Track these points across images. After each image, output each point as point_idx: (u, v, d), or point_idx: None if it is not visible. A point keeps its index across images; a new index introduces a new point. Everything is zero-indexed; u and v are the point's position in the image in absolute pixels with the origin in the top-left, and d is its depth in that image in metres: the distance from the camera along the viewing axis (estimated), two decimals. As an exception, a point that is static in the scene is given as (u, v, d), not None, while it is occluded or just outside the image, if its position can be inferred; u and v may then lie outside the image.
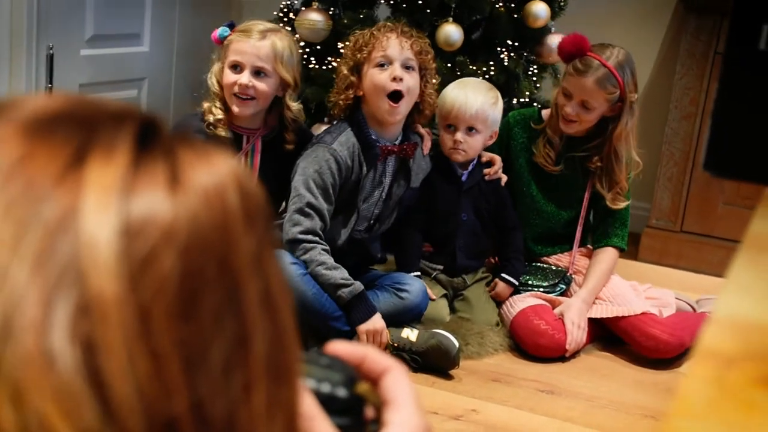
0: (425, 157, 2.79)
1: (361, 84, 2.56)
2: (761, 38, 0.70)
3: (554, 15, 3.32)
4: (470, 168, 2.82)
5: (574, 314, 2.68)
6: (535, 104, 3.19)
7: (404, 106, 2.55)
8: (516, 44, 3.23)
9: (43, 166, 0.41)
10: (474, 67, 3.13)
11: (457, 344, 2.47)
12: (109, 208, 0.40)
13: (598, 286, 2.79)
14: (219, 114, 2.51)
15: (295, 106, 2.59)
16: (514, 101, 3.22)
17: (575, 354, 2.68)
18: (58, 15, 3.19)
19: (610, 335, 2.75)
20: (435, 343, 2.47)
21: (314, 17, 3.14)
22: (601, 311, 2.73)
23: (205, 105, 2.56)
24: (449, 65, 3.13)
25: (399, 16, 3.09)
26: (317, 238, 2.48)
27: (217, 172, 0.44)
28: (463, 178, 2.81)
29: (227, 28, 2.54)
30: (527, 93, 3.23)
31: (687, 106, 3.56)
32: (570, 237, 2.98)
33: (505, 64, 3.19)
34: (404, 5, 3.18)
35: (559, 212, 2.95)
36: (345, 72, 2.58)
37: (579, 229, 2.94)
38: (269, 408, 0.44)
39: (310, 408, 0.53)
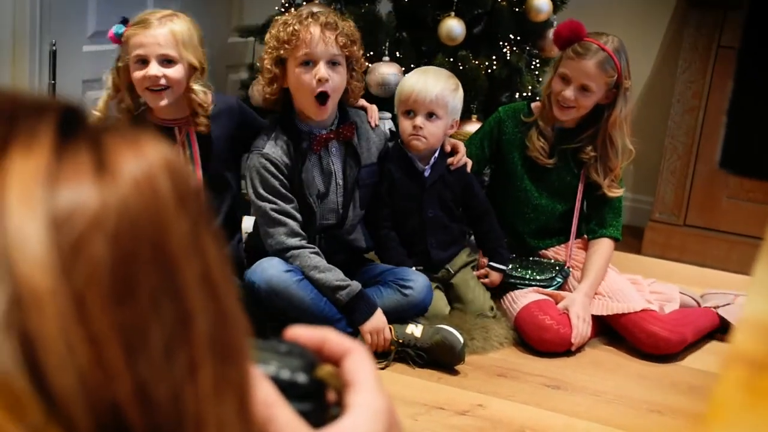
0: (375, 129, 2.71)
1: (285, 77, 2.49)
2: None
3: (556, 9, 3.32)
4: (432, 161, 2.76)
5: (579, 308, 2.68)
6: (537, 98, 3.18)
7: (331, 105, 2.49)
8: (518, 38, 3.24)
9: None
10: (476, 62, 3.13)
11: (462, 339, 2.47)
12: (33, 200, 0.40)
13: (598, 278, 2.80)
14: (127, 104, 2.45)
15: (199, 89, 2.49)
16: (517, 95, 3.22)
17: (580, 348, 2.67)
18: (61, 11, 3.18)
19: (613, 329, 2.75)
20: (440, 338, 2.47)
21: (314, 7, 3.12)
22: (600, 308, 2.73)
23: (101, 109, 2.48)
24: (451, 60, 3.13)
25: (400, 12, 3.09)
26: (301, 241, 2.47)
27: (146, 158, 0.44)
28: (426, 173, 2.75)
29: (122, 25, 2.45)
30: (530, 87, 3.23)
31: (690, 100, 3.56)
32: (565, 229, 2.98)
33: (508, 58, 3.19)
34: (406, 0, 3.18)
35: (554, 205, 2.94)
36: (268, 65, 2.49)
37: (575, 221, 2.94)
38: (217, 388, 0.44)
39: (269, 395, 0.52)
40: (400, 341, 2.48)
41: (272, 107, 2.59)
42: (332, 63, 2.46)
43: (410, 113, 2.69)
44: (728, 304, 2.85)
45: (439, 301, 2.73)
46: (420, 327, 2.51)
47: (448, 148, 2.80)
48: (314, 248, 2.49)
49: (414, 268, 2.70)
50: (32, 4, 3.03)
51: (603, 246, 2.88)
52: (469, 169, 2.84)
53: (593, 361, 2.64)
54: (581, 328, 2.64)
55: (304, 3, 3.23)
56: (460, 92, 2.74)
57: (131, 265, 0.41)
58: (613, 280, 2.84)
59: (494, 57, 3.17)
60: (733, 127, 0.80)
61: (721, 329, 2.82)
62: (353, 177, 2.61)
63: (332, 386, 0.57)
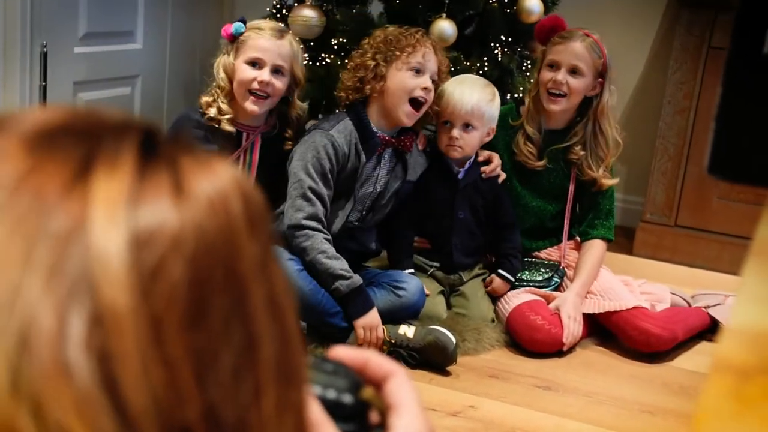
0: (421, 152, 2.79)
1: (384, 78, 2.57)
2: (766, 42, 0.71)
3: (547, 10, 3.32)
4: (467, 166, 2.82)
5: (570, 308, 2.69)
6: (515, 95, 3.19)
7: (421, 114, 2.61)
8: (509, 39, 3.24)
9: (49, 179, 0.41)
10: (468, 63, 3.13)
11: (454, 340, 2.48)
12: (117, 220, 0.40)
13: (590, 278, 2.81)
14: (225, 108, 2.51)
15: (301, 104, 2.63)
16: (508, 96, 3.22)
17: (572, 349, 2.68)
18: (52, 13, 3.18)
19: (605, 330, 2.76)
20: (432, 339, 2.47)
21: (308, 14, 3.13)
22: (592, 306, 2.74)
23: (205, 99, 2.54)
24: (443, 61, 3.13)
25: (392, 13, 3.09)
26: (320, 225, 2.49)
27: (219, 180, 0.44)
28: (460, 176, 2.81)
29: (242, 24, 2.54)
30: (521, 88, 3.24)
31: (681, 101, 3.57)
32: (558, 230, 2.99)
33: (499, 59, 3.20)
34: (397, 1, 3.18)
35: (545, 206, 2.96)
36: (371, 61, 2.58)
37: (566, 222, 2.95)
38: (279, 411, 0.45)
39: (316, 414, 0.53)
40: (393, 341, 2.49)
41: (347, 98, 2.64)
42: (432, 80, 2.59)
43: (447, 123, 2.74)
44: (719, 305, 2.86)
45: (438, 306, 2.74)
46: (413, 328, 2.52)
47: (482, 157, 2.86)
48: (328, 235, 2.51)
49: (411, 270, 2.72)
50: (23, 5, 3.03)
51: (595, 247, 2.89)
52: (501, 181, 2.89)
53: (585, 361, 2.64)
54: (572, 328, 2.65)
55: (296, 4, 3.23)
56: (497, 101, 2.80)
57: (206, 289, 0.42)
58: (604, 278, 2.85)
59: (485, 58, 3.17)
60: (722, 132, 0.80)
61: (711, 329, 2.83)
62: (395, 187, 2.70)
63: (376, 407, 0.58)
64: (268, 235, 0.46)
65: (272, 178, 2.60)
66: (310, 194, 2.48)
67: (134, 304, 0.40)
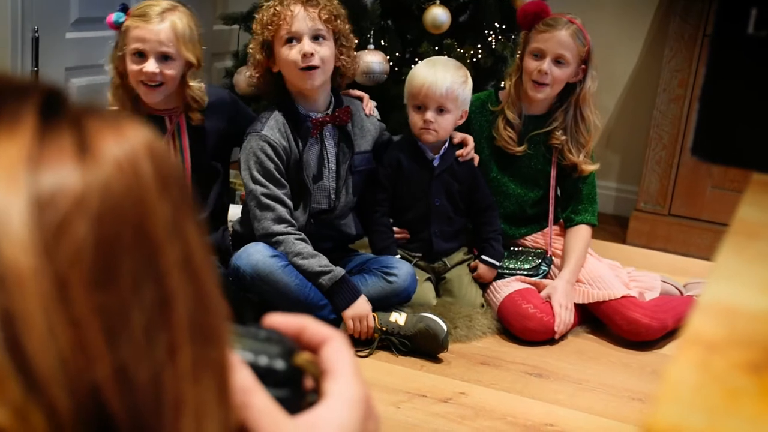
0: (370, 117, 2.74)
1: (274, 61, 2.51)
2: (749, 22, 0.70)
3: (542, -3, 3.30)
4: (442, 151, 2.79)
5: (561, 296, 2.69)
6: (501, 85, 3.18)
7: (320, 76, 2.49)
8: (503, 27, 3.23)
9: None
10: (461, 50, 3.12)
11: (445, 328, 2.48)
12: (17, 182, 0.40)
13: (578, 264, 2.81)
14: (124, 105, 2.45)
15: (195, 85, 2.51)
16: (502, 84, 3.22)
17: (563, 336, 2.68)
18: (43, -2, 3.16)
19: (596, 318, 2.76)
20: (423, 326, 2.47)
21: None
22: (581, 296, 2.74)
23: (109, 96, 2.49)
24: (436, 48, 3.12)
25: (385, 0, 3.08)
26: (288, 228, 2.47)
27: (128, 141, 0.44)
28: (435, 162, 2.79)
29: (122, 13, 2.44)
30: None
31: (675, 89, 3.56)
32: (540, 216, 2.99)
33: (493, 47, 3.19)
34: (391, -12, 3.17)
35: (526, 193, 2.95)
36: (253, 51, 2.53)
37: (551, 208, 2.95)
38: (196, 370, 0.45)
39: (246, 380, 0.53)
40: (384, 329, 2.49)
41: (264, 94, 2.61)
42: (317, 37, 2.47)
43: (420, 107, 2.71)
44: (711, 293, 2.86)
45: (428, 293, 2.74)
46: (404, 315, 2.52)
47: (457, 140, 2.83)
48: (300, 234, 2.49)
49: (398, 257, 2.72)
50: (14, -10, 3.01)
51: (581, 233, 2.89)
52: (476, 163, 2.87)
53: (576, 349, 2.64)
54: (564, 316, 2.65)
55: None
56: (470, 83, 2.77)
57: (113, 248, 0.42)
58: (593, 267, 2.85)
59: (479, 45, 3.17)
60: (705, 113, 0.80)
61: (703, 318, 2.83)
62: (346, 163, 2.63)
63: (310, 373, 0.58)
64: (181, 196, 0.46)
65: (208, 154, 2.58)
66: (265, 200, 2.47)
67: (37, 264, 0.39)
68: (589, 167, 2.89)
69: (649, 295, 2.81)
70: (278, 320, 0.60)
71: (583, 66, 2.80)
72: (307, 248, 2.47)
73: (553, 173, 2.92)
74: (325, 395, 0.56)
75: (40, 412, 0.39)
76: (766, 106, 0.71)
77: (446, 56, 3.04)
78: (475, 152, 2.90)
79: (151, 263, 0.43)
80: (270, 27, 2.47)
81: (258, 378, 0.54)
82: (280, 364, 0.56)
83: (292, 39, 2.46)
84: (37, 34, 3.13)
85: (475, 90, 2.85)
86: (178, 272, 0.44)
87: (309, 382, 0.58)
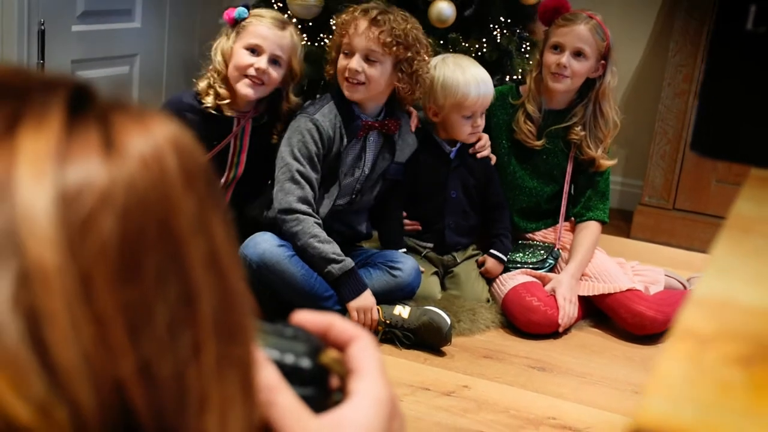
0: (412, 134, 2.79)
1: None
2: (748, 18, 0.71)
3: (547, -9, 3.30)
4: (458, 145, 2.83)
5: (566, 289, 2.70)
6: (515, 77, 3.19)
7: (363, 91, 2.54)
8: (509, 21, 3.23)
9: None
10: (466, 44, 3.12)
11: (449, 321, 2.48)
12: (43, 176, 0.40)
13: (585, 259, 2.81)
14: (223, 93, 2.51)
15: (294, 99, 2.62)
16: (507, 78, 3.22)
17: (567, 330, 2.69)
18: (49, -9, 3.17)
19: (600, 312, 2.76)
20: (427, 320, 2.48)
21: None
22: (586, 289, 2.75)
23: (202, 85, 2.54)
24: (441, 42, 3.12)
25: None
26: (310, 209, 2.49)
27: (153, 136, 0.44)
28: (452, 155, 2.83)
29: (245, 9, 2.54)
30: (520, 70, 3.23)
31: (680, 84, 3.56)
32: (554, 212, 3.00)
33: (498, 41, 3.19)
34: (397, -19, 3.16)
35: (542, 187, 2.96)
36: (330, 48, 2.64)
37: (564, 203, 2.96)
38: (220, 367, 0.45)
39: (272, 378, 0.53)
40: (388, 322, 2.50)
41: (332, 81, 2.68)
42: (369, 59, 2.52)
43: (470, 117, 2.76)
44: (715, 288, 2.86)
45: (433, 287, 2.75)
46: (408, 308, 2.52)
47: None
48: (318, 219, 2.51)
49: (404, 250, 2.73)
50: (20, -18, 3.02)
51: (590, 228, 2.90)
52: (493, 162, 2.91)
53: (579, 343, 2.65)
54: (568, 309, 2.66)
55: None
56: None
57: (138, 243, 0.42)
58: (599, 260, 2.86)
59: (484, 40, 3.17)
60: (705, 109, 0.80)
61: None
62: (382, 169, 2.69)
63: (336, 372, 0.58)
64: (207, 191, 0.46)
65: (261, 166, 2.61)
66: (298, 177, 2.48)
67: (62, 260, 0.39)
68: (607, 162, 2.90)
69: (653, 288, 2.82)
70: (305, 318, 0.60)
71: (602, 61, 2.80)
72: (323, 233, 2.48)
73: (569, 169, 2.93)
74: (351, 394, 0.56)
75: (63, 408, 0.39)
76: (765, 102, 0.72)
77: (451, 51, 3.04)
78: (494, 144, 2.93)
79: (175, 259, 0.43)
80: (339, 31, 2.57)
81: (283, 376, 0.54)
82: (305, 363, 0.56)
83: (348, 52, 2.54)
84: (43, 27, 3.13)
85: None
86: (202, 268, 0.44)
87: (335, 381, 0.58)
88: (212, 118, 2.51)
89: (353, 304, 2.48)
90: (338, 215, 2.66)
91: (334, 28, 2.63)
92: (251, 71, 2.47)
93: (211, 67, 2.55)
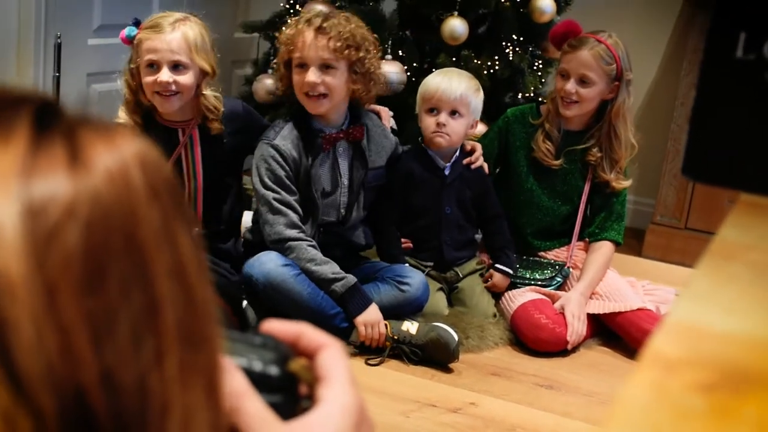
0: (387, 134, 2.76)
1: (291, 78, 2.56)
2: (738, 46, 0.71)
3: (560, 10, 3.32)
4: (453, 159, 2.82)
5: (574, 307, 2.69)
6: (540, 98, 3.20)
7: (326, 103, 2.52)
8: (521, 39, 3.24)
9: None
10: (479, 62, 3.13)
11: (456, 337, 2.49)
12: (9, 191, 0.41)
13: (595, 279, 2.81)
14: (137, 119, 2.47)
15: (210, 94, 2.54)
16: (519, 96, 3.23)
17: (575, 348, 2.68)
18: (66, 4, 3.21)
19: (609, 330, 2.76)
20: (435, 336, 2.48)
21: (319, 8, 3.13)
22: (597, 307, 2.74)
23: (121, 113, 2.50)
24: (454, 59, 3.14)
25: (404, 10, 3.09)
26: (300, 233, 2.49)
27: (119, 151, 0.45)
28: (446, 171, 2.81)
29: (134, 27, 2.47)
30: (532, 88, 3.24)
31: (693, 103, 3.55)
32: (568, 231, 2.99)
33: (510, 58, 3.20)
34: (410, -1, 3.19)
35: (559, 207, 2.97)
36: (277, 66, 2.60)
37: (578, 223, 2.96)
38: (183, 375, 0.45)
39: (240, 385, 0.53)
40: (396, 337, 2.50)
41: (287, 101, 2.65)
42: (325, 66, 2.49)
43: (433, 111, 2.74)
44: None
45: (440, 302, 2.75)
46: (416, 324, 2.53)
47: (468, 148, 2.86)
48: (312, 241, 2.51)
49: (407, 265, 2.73)
50: (38, -4, 3.06)
51: (603, 249, 2.89)
52: (487, 171, 2.89)
53: (588, 361, 2.64)
54: (577, 327, 2.65)
55: (309, 0, 3.24)
56: (481, 94, 2.81)
57: (102, 255, 0.42)
58: (610, 279, 2.85)
59: (497, 57, 3.18)
60: (696, 134, 0.81)
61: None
62: (360, 179, 2.65)
63: (304, 380, 0.58)
64: (173, 204, 0.47)
65: (220, 167, 2.60)
66: (277, 205, 2.49)
67: (27, 271, 0.40)
68: (622, 184, 2.89)
69: (663, 308, 2.81)
70: (275, 326, 0.61)
71: (616, 83, 2.80)
72: (318, 255, 2.49)
73: (586, 188, 2.93)
74: (319, 401, 0.57)
75: (27, 416, 0.40)
76: (754, 128, 0.72)
77: (463, 67, 3.05)
78: (513, 163, 2.94)
79: (140, 270, 0.44)
80: (287, 46, 2.52)
81: (252, 383, 0.54)
82: (274, 370, 0.56)
83: (303, 65, 2.50)
84: (59, 40, 3.17)
85: (489, 101, 2.87)
86: (167, 279, 0.45)
87: (304, 389, 0.58)
88: (153, 135, 2.47)
89: (360, 319, 2.48)
90: (333, 232, 2.66)
91: (278, 45, 2.57)
92: (157, 87, 2.42)
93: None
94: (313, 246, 2.50)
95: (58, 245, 0.41)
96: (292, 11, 3.27)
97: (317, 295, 2.46)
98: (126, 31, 2.47)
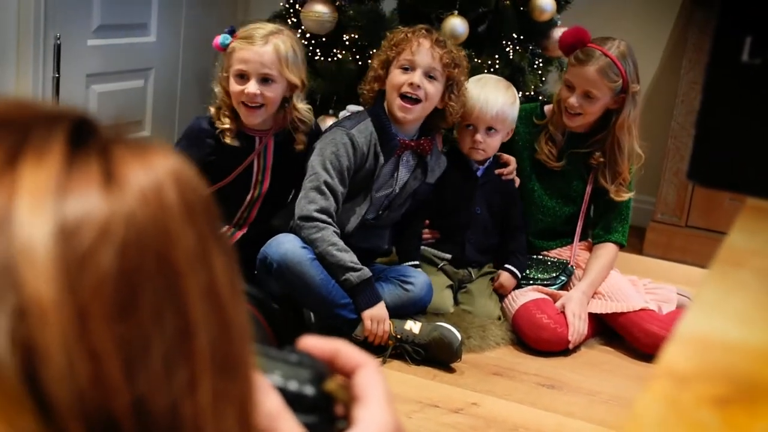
0: (442, 155, 2.81)
1: (386, 79, 2.60)
2: (744, 50, 0.71)
3: (560, 8, 3.31)
4: (487, 164, 2.86)
5: (575, 306, 2.69)
6: (540, 97, 3.19)
7: (418, 110, 2.58)
8: (521, 38, 3.23)
9: None
10: (479, 61, 3.13)
11: (459, 337, 2.48)
12: (43, 210, 0.40)
13: (597, 279, 2.81)
14: (227, 123, 2.50)
15: (302, 106, 2.59)
16: (520, 95, 3.22)
17: (577, 348, 2.68)
18: (66, 5, 3.20)
19: (611, 330, 2.75)
20: (437, 335, 2.48)
21: (320, 9, 3.14)
22: (599, 307, 2.74)
23: (213, 110, 2.54)
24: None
25: (404, 9, 3.09)
26: (331, 220, 2.50)
27: (153, 169, 0.44)
28: (479, 173, 2.85)
29: (228, 35, 2.50)
30: (532, 87, 3.24)
31: (693, 101, 3.55)
32: (571, 232, 2.99)
33: (511, 57, 3.19)
34: (410, -2, 3.18)
35: (561, 208, 2.96)
36: (375, 65, 2.63)
37: (580, 223, 2.96)
38: (216, 402, 0.44)
39: (275, 406, 0.52)
40: (398, 336, 2.50)
41: (366, 104, 2.70)
42: (429, 76, 2.55)
43: (470, 126, 2.77)
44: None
45: (446, 300, 2.76)
46: (418, 324, 2.53)
47: (502, 159, 2.91)
48: (338, 230, 2.52)
49: (411, 264, 2.74)
50: (37, -3, 3.05)
51: (606, 250, 2.89)
52: (517, 185, 2.93)
53: (590, 361, 2.64)
54: (578, 326, 2.65)
55: (309, 0, 3.23)
56: (518, 102, 2.84)
57: (136, 278, 0.41)
58: (612, 279, 2.85)
59: (497, 56, 3.17)
60: (701, 138, 0.80)
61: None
62: (413, 187, 2.71)
63: (341, 400, 0.57)
64: (208, 225, 0.46)
65: (286, 180, 2.62)
66: (324, 188, 2.50)
67: (59, 295, 0.39)
68: (622, 196, 2.88)
69: (665, 307, 2.81)
70: (312, 343, 0.59)
71: (622, 95, 2.77)
72: (341, 243, 2.49)
73: (588, 189, 2.92)
74: (355, 422, 0.55)
75: None
76: (760, 132, 0.72)
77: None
78: (517, 162, 2.95)
79: (173, 293, 0.43)
80: (395, 48, 2.58)
81: (287, 403, 0.54)
82: (309, 390, 0.55)
83: (408, 67, 2.55)
84: (59, 41, 3.16)
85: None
86: (201, 302, 0.44)
87: (340, 409, 0.57)
88: (227, 146, 2.51)
89: (367, 313, 2.48)
90: (364, 230, 2.67)
91: (385, 43, 2.63)
92: (243, 98, 2.45)
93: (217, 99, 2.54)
94: (337, 233, 2.51)
95: (91, 268, 0.40)
96: (292, 11, 3.26)
97: (329, 282, 2.46)
98: (220, 39, 2.50)
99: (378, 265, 2.76)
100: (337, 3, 3.21)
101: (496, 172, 2.87)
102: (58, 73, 3.18)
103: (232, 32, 2.51)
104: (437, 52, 2.56)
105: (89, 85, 3.39)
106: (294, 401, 0.54)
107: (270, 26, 2.53)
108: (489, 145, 2.79)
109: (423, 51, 2.56)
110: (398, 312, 2.56)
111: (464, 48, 3.11)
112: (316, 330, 2.51)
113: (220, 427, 0.45)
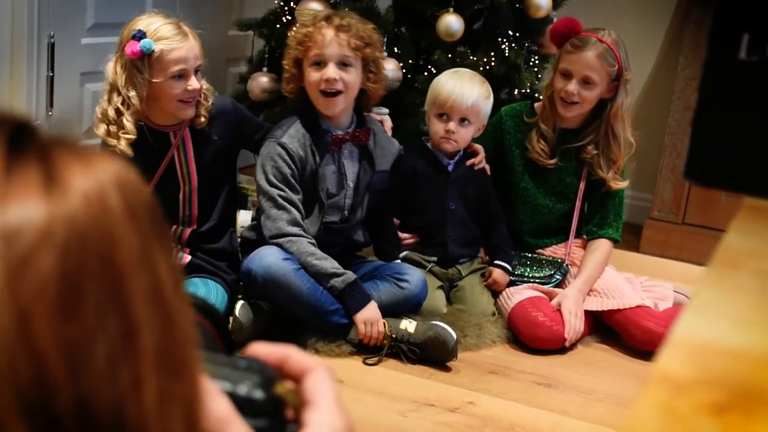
0: (392, 140, 2.78)
1: (302, 78, 2.56)
2: (741, 47, 0.70)
3: (556, 5, 3.31)
4: (456, 158, 2.84)
5: (571, 303, 2.68)
6: (535, 95, 3.18)
7: (341, 101, 2.54)
8: (517, 35, 3.23)
9: None
10: (475, 58, 3.12)
11: (455, 336, 2.48)
12: None
13: (593, 276, 2.80)
14: (129, 133, 2.39)
15: (206, 86, 2.53)
16: (515, 92, 3.21)
17: (573, 345, 2.68)
18: (59, 3, 3.18)
19: (607, 327, 2.75)
20: (433, 334, 2.47)
21: (314, 6, 3.13)
22: (595, 304, 2.74)
23: (101, 130, 2.40)
24: (449, 56, 3.12)
25: (399, 6, 3.08)
26: (300, 230, 2.49)
27: (96, 173, 0.44)
28: (450, 167, 2.83)
29: (150, 41, 2.36)
30: (528, 84, 3.23)
31: (690, 97, 3.55)
32: (565, 229, 2.99)
33: (506, 54, 3.18)
34: (405, -6, 3.17)
35: (555, 205, 2.96)
36: (287, 65, 2.59)
37: (575, 220, 2.95)
38: (161, 403, 0.44)
39: (224, 410, 0.52)
40: (394, 336, 2.49)
41: (295, 102, 2.67)
42: (343, 64, 2.51)
43: (443, 116, 2.75)
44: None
45: (439, 301, 2.75)
46: (414, 323, 2.52)
47: (470, 149, 2.88)
48: (311, 239, 2.51)
49: (402, 261, 2.73)
50: (31, -4, 3.04)
51: (602, 246, 2.88)
52: (489, 172, 2.91)
53: (586, 359, 2.63)
54: (573, 323, 2.65)
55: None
56: (491, 98, 2.83)
57: (78, 280, 0.41)
58: (608, 276, 2.85)
59: (493, 53, 3.16)
60: (698, 137, 0.79)
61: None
62: (366, 181, 2.67)
63: (290, 403, 0.57)
64: (151, 227, 0.46)
65: (214, 168, 2.60)
66: (282, 202, 2.49)
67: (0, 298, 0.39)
68: (618, 184, 2.88)
69: (662, 305, 2.80)
70: (261, 349, 0.60)
71: (615, 82, 2.78)
72: (318, 251, 2.49)
73: (581, 186, 2.92)
74: (306, 426, 0.56)
75: None
76: (758, 130, 0.71)
77: (459, 64, 3.04)
78: (508, 161, 2.94)
79: (116, 294, 0.43)
80: (300, 47, 2.53)
81: (237, 408, 0.53)
82: (259, 394, 0.55)
83: (320, 62, 2.51)
84: (53, 40, 3.15)
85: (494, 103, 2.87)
86: (144, 303, 0.44)
87: (290, 413, 0.57)
88: (146, 140, 2.45)
89: (360, 316, 2.48)
90: (334, 231, 2.65)
91: (291, 42, 2.57)
92: (187, 95, 2.42)
93: (116, 102, 2.40)
94: (312, 243, 2.50)
95: (31, 270, 0.40)
96: (286, 9, 3.25)
97: (317, 290, 2.45)
98: (144, 45, 2.35)
99: (371, 262, 2.75)
100: (332, 0, 3.20)
101: (467, 163, 2.85)
102: (52, 72, 3.17)
103: (142, 36, 2.37)
104: (343, 38, 2.50)
105: (83, 83, 3.37)
106: (244, 406, 0.54)
107: (169, 18, 2.45)
108: (461, 136, 2.76)
109: (329, 42, 2.50)
110: (394, 310, 2.55)
111: (460, 45, 3.10)
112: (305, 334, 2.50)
113: (166, 427, 0.45)
